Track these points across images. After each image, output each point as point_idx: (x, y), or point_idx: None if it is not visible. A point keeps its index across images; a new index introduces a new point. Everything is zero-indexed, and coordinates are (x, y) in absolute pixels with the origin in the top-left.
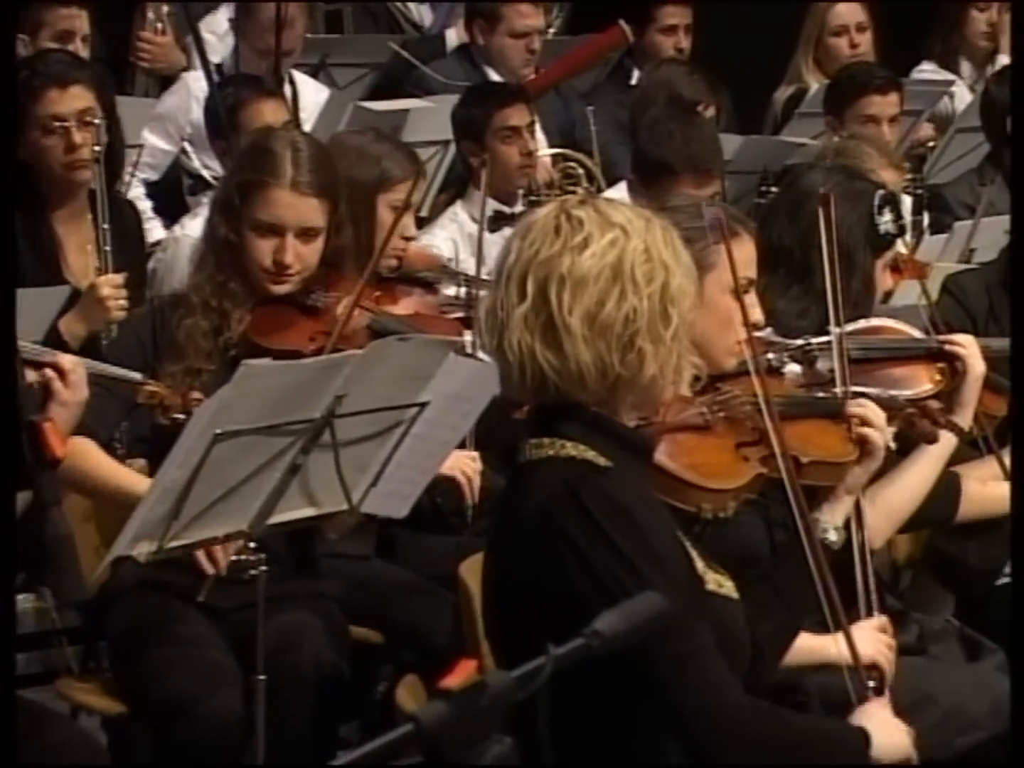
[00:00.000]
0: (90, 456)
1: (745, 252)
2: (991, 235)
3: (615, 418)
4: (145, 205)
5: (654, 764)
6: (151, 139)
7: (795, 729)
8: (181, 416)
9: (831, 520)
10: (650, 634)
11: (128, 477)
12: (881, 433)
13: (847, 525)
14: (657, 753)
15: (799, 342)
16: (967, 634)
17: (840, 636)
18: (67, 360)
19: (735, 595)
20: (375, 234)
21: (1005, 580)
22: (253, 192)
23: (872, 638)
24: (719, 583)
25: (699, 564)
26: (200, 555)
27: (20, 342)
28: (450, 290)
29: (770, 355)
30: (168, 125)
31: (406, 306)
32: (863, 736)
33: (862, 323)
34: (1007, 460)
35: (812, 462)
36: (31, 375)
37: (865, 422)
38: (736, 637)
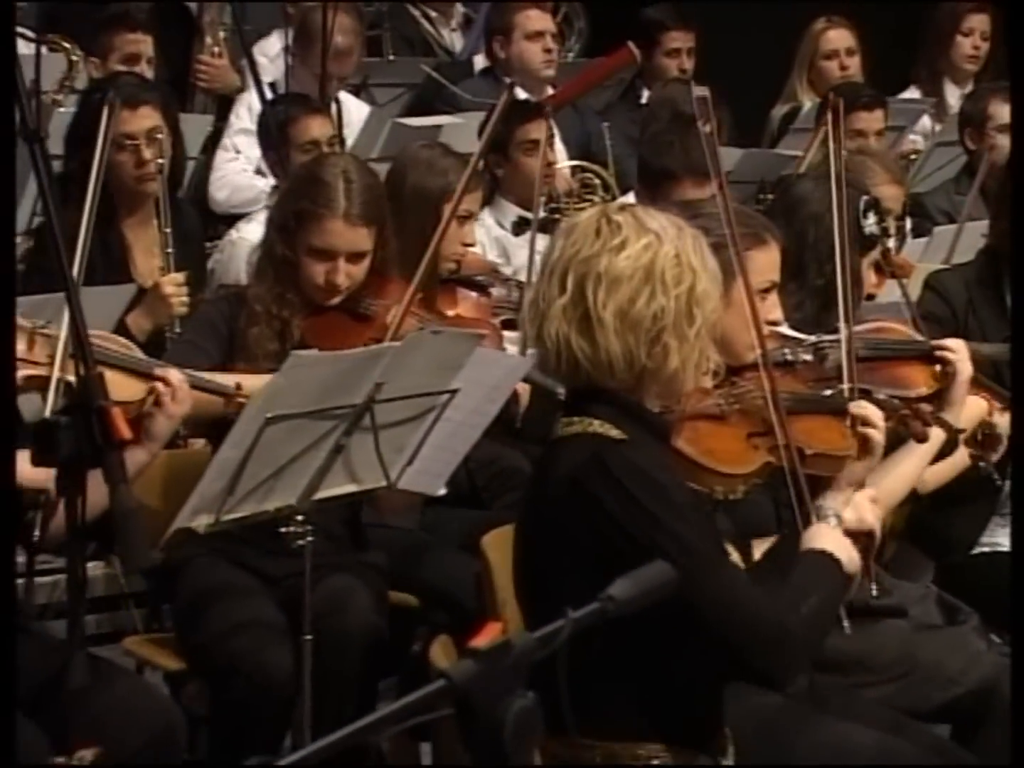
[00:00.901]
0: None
1: (771, 256)
2: (968, 239)
3: (640, 402)
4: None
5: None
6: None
7: (811, 606)
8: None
9: (834, 507)
10: (690, 587)
11: None
12: (880, 432)
13: None
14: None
15: (812, 339)
16: (945, 599)
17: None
18: (174, 375)
19: (741, 565)
20: (441, 241)
21: (981, 549)
22: (308, 220)
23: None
24: (728, 553)
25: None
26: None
27: (131, 352)
28: (500, 292)
29: (785, 350)
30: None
31: (462, 306)
32: (839, 565)
33: (870, 324)
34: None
35: (815, 454)
36: (138, 384)
37: (866, 422)
38: None
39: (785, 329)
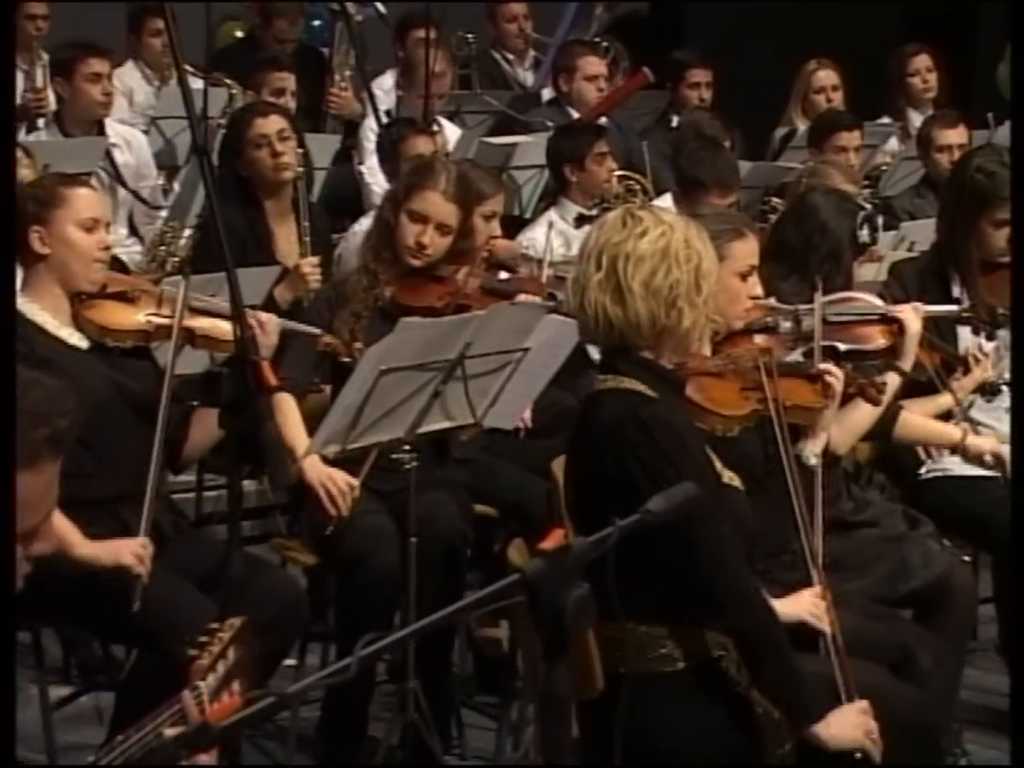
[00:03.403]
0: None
1: (751, 246)
2: (926, 233)
3: (659, 361)
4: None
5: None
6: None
7: (781, 636)
8: (348, 360)
9: (811, 449)
10: (690, 520)
11: (296, 438)
12: (839, 381)
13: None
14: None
15: (790, 308)
16: (907, 512)
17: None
18: (263, 315)
19: (742, 487)
20: (472, 233)
21: (934, 474)
22: (414, 191)
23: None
24: (731, 478)
25: (717, 464)
26: (325, 500)
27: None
28: (525, 270)
29: (768, 319)
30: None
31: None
32: (818, 716)
33: (841, 295)
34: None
35: (793, 405)
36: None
37: (828, 373)
38: (743, 518)
39: (772, 301)
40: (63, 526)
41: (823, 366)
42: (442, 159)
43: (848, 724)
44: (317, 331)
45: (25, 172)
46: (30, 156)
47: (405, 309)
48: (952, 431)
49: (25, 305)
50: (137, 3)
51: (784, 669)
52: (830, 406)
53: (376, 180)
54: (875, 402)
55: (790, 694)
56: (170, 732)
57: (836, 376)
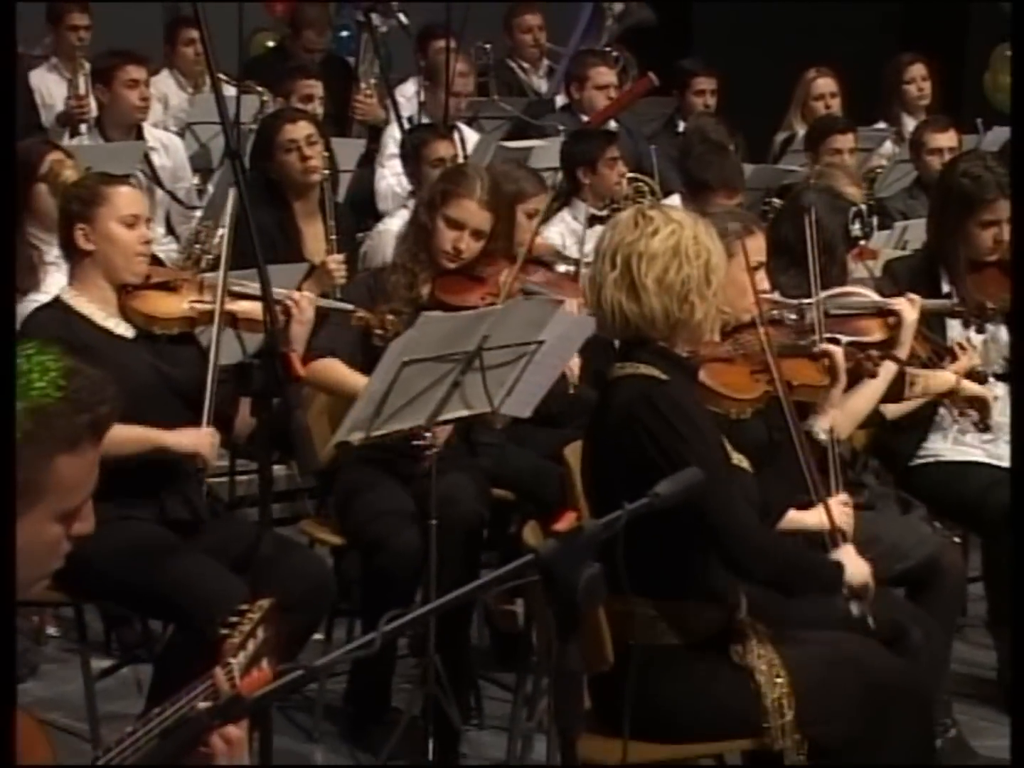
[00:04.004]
0: (337, 369)
1: (759, 243)
2: (918, 232)
3: (674, 350)
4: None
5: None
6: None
7: (796, 554)
8: (381, 331)
9: (819, 426)
10: (702, 492)
11: (362, 382)
12: (841, 359)
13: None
14: (692, 576)
15: (794, 302)
16: (901, 496)
17: (821, 507)
18: (297, 294)
19: (750, 469)
20: (515, 230)
21: (926, 459)
22: (451, 198)
23: (839, 509)
24: (739, 460)
25: (727, 445)
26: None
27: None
28: (562, 268)
29: (774, 311)
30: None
31: (535, 277)
32: (839, 566)
33: (840, 289)
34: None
35: (800, 384)
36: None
37: (831, 354)
38: (750, 498)
39: (776, 296)
40: (142, 431)
41: (825, 345)
42: (477, 168)
43: (856, 563)
44: (350, 307)
45: (69, 173)
46: (73, 159)
47: (447, 307)
48: (948, 376)
49: (73, 298)
50: (173, 13)
51: (808, 581)
52: (835, 384)
53: (398, 181)
54: (872, 374)
55: (819, 587)
56: (203, 705)
57: (837, 353)
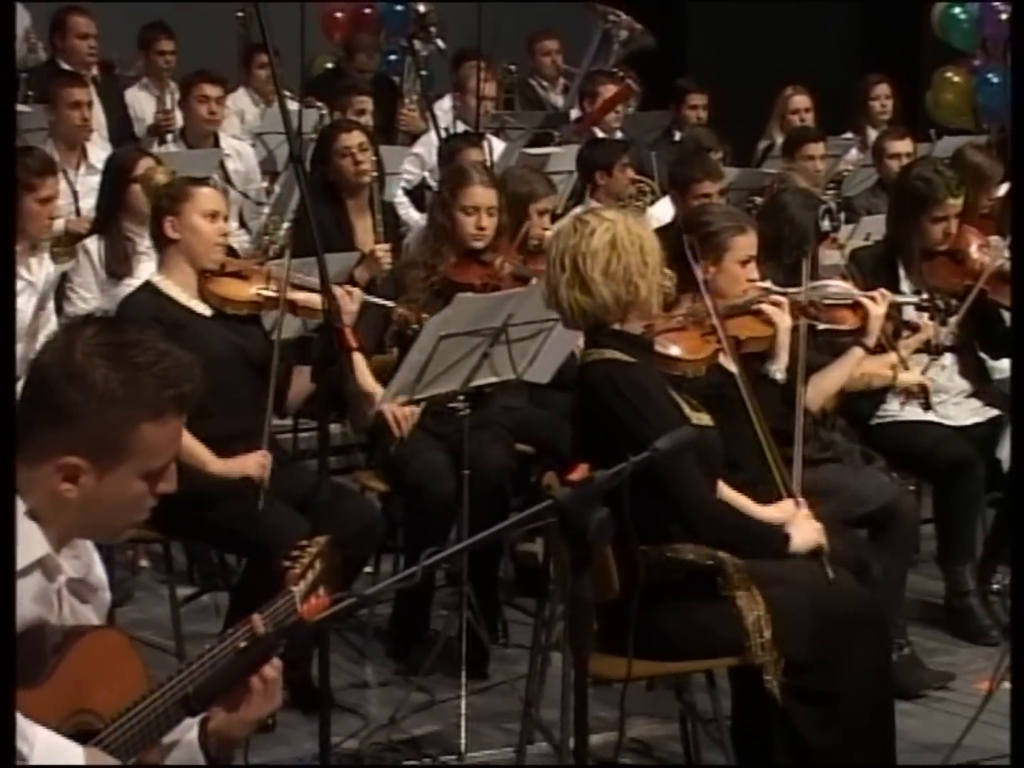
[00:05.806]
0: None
1: (751, 239)
2: (879, 226)
3: (629, 330)
4: (403, 199)
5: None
6: (408, 167)
7: (744, 523)
8: (416, 327)
9: (776, 366)
10: (661, 466)
11: (369, 386)
12: (773, 306)
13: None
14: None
15: (780, 290)
16: (863, 450)
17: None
18: (348, 288)
19: (711, 423)
20: (522, 226)
21: (885, 419)
22: (459, 190)
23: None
24: (699, 418)
25: (686, 408)
26: (392, 424)
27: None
28: None
29: (760, 297)
30: (417, 161)
31: (543, 266)
32: (786, 537)
33: (822, 282)
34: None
35: (747, 338)
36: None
37: (764, 310)
38: (714, 452)
39: (766, 283)
40: (200, 451)
41: (762, 305)
42: (464, 159)
43: (805, 532)
44: (391, 303)
45: (160, 177)
46: (161, 164)
47: (454, 285)
48: (886, 372)
49: (161, 282)
50: (247, 40)
51: (754, 547)
52: (779, 331)
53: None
54: (816, 319)
55: (764, 553)
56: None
57: (769, 308)
